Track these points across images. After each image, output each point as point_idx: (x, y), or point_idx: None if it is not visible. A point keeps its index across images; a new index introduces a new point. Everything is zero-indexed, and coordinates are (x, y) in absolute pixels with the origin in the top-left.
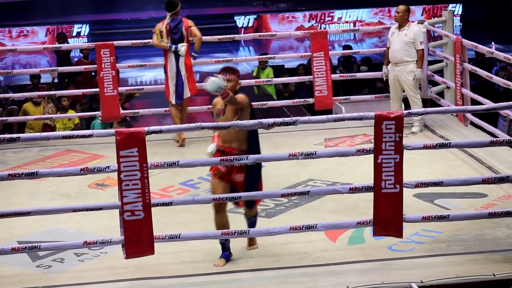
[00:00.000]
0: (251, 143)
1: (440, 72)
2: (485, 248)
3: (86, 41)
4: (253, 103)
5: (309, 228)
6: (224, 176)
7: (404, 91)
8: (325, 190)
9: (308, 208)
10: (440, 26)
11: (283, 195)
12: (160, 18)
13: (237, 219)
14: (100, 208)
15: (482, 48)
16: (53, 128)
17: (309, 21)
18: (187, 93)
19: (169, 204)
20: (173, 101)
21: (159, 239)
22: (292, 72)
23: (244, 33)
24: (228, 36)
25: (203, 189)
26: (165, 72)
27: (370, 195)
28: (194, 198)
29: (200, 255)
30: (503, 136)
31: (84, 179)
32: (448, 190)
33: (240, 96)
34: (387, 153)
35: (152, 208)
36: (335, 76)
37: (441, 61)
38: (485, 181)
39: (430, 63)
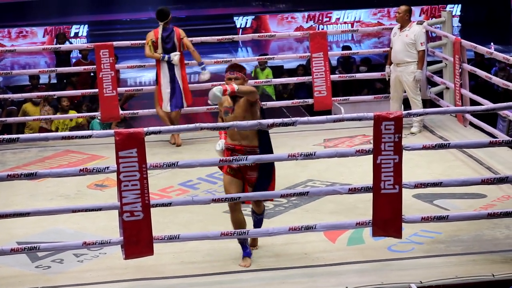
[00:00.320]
0: (263, 140)
1: (439, 73)
2: (484, 249)
3: (85, 41)
4: None
5: (308, 228)
6: (238, 173)
7: (405, 92)
8: (324, 191)
9: (308, 208)
10: (439, 27)
11: (282, 196)
12: None
13: None
14: (99, 209)
15: (481, 49)
16: (49, 131)
17: (307, 22)
18: (183, 103)
19: (169, 204)
20: (169, 109)
21: (158, 240)
22: (291, 72)
23: (242, 34)
24: (227, 36)
25: (203, 189)
26: (157, 81)
27: (369, 195)
28: (194, 198)
29: (199, 255)
30: (502, 136)
31: (83, 179)
32: (447, 190)
33: (242, 86)
34: (386, 154)
35: (152, 209)
36: (334, 77)
37: (440, 61)
38: (484, 182)
39: (429, 63)
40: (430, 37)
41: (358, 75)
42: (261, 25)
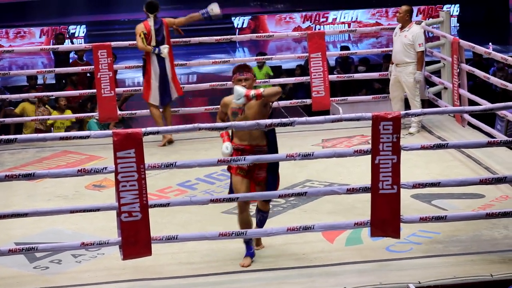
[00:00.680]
0: (270, 139)
1: (437, 73)
2: (483, 249)
3: (83, 42)
4: None
5: (306, 229)
6: (248, 173)
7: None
8: (323, 191)
9: (306, 209)
10: (437, 27)
11: (280, 196)
12: None
13: (234, 220)
14: (98, 209)
15: (480, 49)
16: (44, 133)
17: (303, 22)
18: (174, 94)
19: (167, 205)
20: (157, 103)
21: (156, 240)
22: (289, 72)
23: (239, 34)
24: (225, 37)
25: (201, 190)
26: (145, 74)
27: (368, 196)
28: (192, 199)
29: (197, 256)
30: (500, 136)
31: (82, 180)
32: (446, 190)
33: (267, 88)
34: (384, 154)
35: (150, 209)
36: (333, 77)
37: (439, 61)
38: (483, 182)
39: (428, 63)
40: (428, 37)
41: (357, 75)
42: (259, 25)
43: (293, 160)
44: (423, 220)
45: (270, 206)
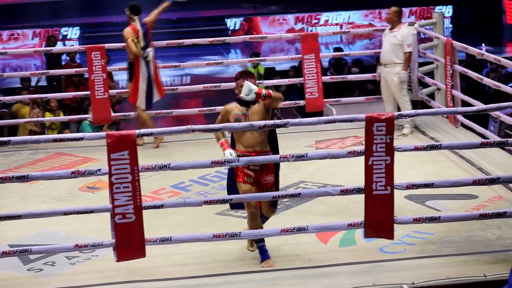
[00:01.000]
0: (273, 143)
1: (430, 74)
2: (476, 250)
3: (75, 44)
4: None
5: (300, 230)
6: (255, 180)
7: None
8: (316, 192)
9: (299, 210)
10: (430, 28)
11: (274, 197)
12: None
13: (228, 221)
14: (91, 211)
15: (473, 50)
16: (39, 134)
17: (295, 24)
18: (157, 97)
19: (160, 206)
20: (143, 107)
21: (150, 242)
22: (283, 74)
23: (232, 36)
24: (218, 38)
25: (194, 191)
26: (133, 78)
27: (361, 197)
28: (185, 200)
29: (191, 257)
30: (493, 137)
31: (75, 182)
32: (439, 191)
33: (274, 92)
34: (378, 155)
35: (143, 211)
36: (326, 78)
37: (432, 62)
38: (476, 183)
39: (421, 64)
40: (421, 38)
41: (350, 77)
42: (252, 27)
43: (286, 161)
44: (417, 221)
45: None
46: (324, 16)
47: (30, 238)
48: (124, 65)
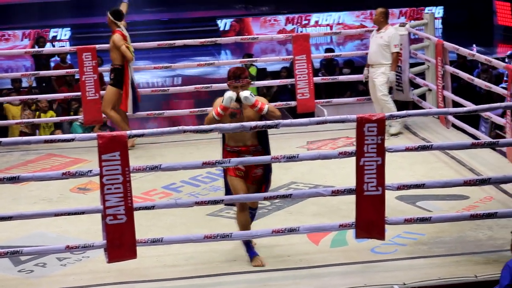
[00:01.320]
0: (263, 139)
1: (421, 75)
2: (467, 250)
3: (66, 45)
4: None
5: (291, 231)
6: (245, 174)
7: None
8: (308, 193)
9: (291, 211)
10: (421, 29)
11: (265, 198)
12: (143, 22)
13: (219, 222)
14: (82, 212)
15: (464, 51)
16: (30, 136)
17: (285, 25)
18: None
19: (152, 207)
20: (131, 112)
21: (142, 243)
22: (274, 75)
23: (223, 37)
24: (210, 39)
25: (186, 192)
26: (123, 84)
27: (353, 197)
28: (177, 201)
29: (182, 258)
30: (484, 138)
31: (66, 183)
32: (430, 192)
33: (272, 106)
34: (369, 156)
35: (135, 212)
36: (317, 79)
37: (423, 63)
38: (467, 183)
39: (412, 65)
40: (413, 39)
41: (341, 77)
42: (243, 27)
43: (278, 162)
44: (408, 221)
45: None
46: (314, 17)
47: (21, 239)
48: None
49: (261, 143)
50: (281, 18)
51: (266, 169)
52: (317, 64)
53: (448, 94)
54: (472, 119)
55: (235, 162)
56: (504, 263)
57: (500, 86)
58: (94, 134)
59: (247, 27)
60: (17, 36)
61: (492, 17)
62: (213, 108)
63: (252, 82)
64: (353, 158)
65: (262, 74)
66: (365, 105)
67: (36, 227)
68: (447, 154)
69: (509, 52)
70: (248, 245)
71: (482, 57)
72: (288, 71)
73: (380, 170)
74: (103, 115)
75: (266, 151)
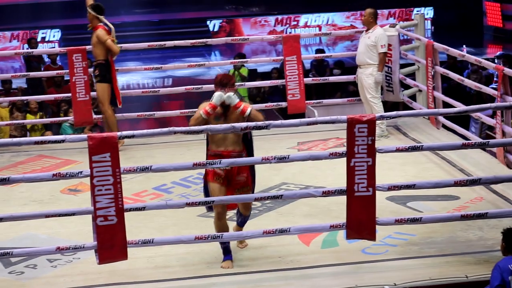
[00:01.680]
0: (248, 146)
1: (412, 75)
2: (458, 250)
3: (56, 46)
4: None
5: (282, 232)
6: (224, 180)
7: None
8: (299, 194)
9: (282, 211)
10: (412, 30)
11: (256, 199)
12: (133, 23)
13: (210, 223)
14: (73, 214)
15: (454, 51)
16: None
17: (275, 26)
18: None
19: (142, 209)
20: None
21: (132, 244)
22: (265, 76)
23: (214, 37)
24: (200, 40)
25: (176, 193)
26: (111, 80)
27: (343, 198)
28: (167, 202)
29: (173, 259)
30: (475, 138)
31: (57, 184)
32: (421, 192)
33: (255, 110)
34: (359, 156)
35: (125, 213)
36: (308, 80)
37: (413, 64)
38: (457, 184)
39: (402, 66)
40: (403, 40)
41: (332, 78)
42: (234, 28)
43: (268, 163)
44: (399, 222)
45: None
46: (303, 18)
47: (11, 241)
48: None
49: (245, 149)
50: (272, 19)
51: (252, 175)
52: (307, 65)
53: (438, 94)
54: (463, 119)
55: (226, 163)
56: (494, 264)
57: (490, 86)
58: (84, 136)
59: (238, 28)
60: (6, 37)
61: (482, 18)
62: (200, 109)
63: (243, 83)
64: (344, 159)
65: (253, 75)
66: (355, 106)
67: (27, 228)
68: (438, 154)
69: (498, 53)
70: (226, 248)
71: (472, 58)
72: (279, 72)
73: (371, 171)
74: (93, 116)
75: (249, 155)
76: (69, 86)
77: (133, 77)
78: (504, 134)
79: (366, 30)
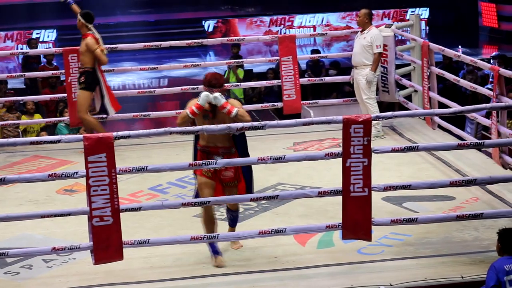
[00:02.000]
0: (238, 141)
1: (407, 76)
2: (454, 251)
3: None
4: None
5: (278, 232)
6: (212, 174)
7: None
8: (294, 194)
9: (277, 212)
10: (407, 30)
11: (252, 199)
12: (129, 23)
13: None
14: (69, 214)
15: (449, 52)
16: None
17: (269, 26)
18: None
19: (138, 209)
20: (98, 110)
21: (128, 245)
22: (261, 76)
23: (209, 38)
24: (196, 40)
25: (172, 194)
26: (101, 87)
27: (339, 198)
28: (163, 203)
29: (169, 260)
30: (470, 139)
31: (53, 185)
32: (417, 193)
33: (242, 111)
34: (355, 157)
35: (121, 214)
36: (304, 80)
37: (409, 64)
38: (453, 184)
39: (398, 66)
40: (398, 40)
41: (327, 79)
42: (230, 29)
43: (264, 164)
44: (394, 222)
45: (240, 207)
46: (297, 19)
47: (7, 241)
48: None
49: (236, 146)
50: (267, 19)
51: (244, 171)
52: (303, 65)
53: (434, 95)
54: (458, 120)
55: (221, 164)
56: (490, 264)
57: (485, 87)
58: (80, 136)
59: (233, 28)
60: (1, 37)
61: (478, 18)
62: (187, 107)
63: (238, 84)
64: (340, 159)
65: (249, 75)
66: (351, 106)
67: (22, 229)
68: (433, 155)
69: (494, 53)
70: (212, 244)
71: (468, 58)
72: (275, 72)
73: (367, 171)
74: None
75: (243, 154)
76: (65, 87)
77: (129, 78)
78: (499, 134)
79: (361, 31)
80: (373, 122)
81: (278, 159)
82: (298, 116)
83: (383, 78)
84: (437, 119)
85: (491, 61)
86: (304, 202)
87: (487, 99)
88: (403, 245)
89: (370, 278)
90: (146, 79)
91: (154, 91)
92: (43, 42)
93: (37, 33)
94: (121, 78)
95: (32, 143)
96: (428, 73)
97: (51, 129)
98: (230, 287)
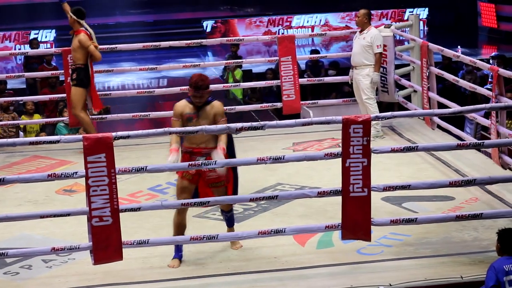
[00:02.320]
0: (227, 144)
1: (407, 76)
2: (453, 251)
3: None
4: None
5: (277, 232)
6: (193, 177)
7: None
8: (294, 194)
9: (277, 212)
10: (406, 30)
11: (251, 200)
12: (128, 23)
13: (206, 224)
14: (68, 214)
15: (449, 52)
16: None
17: (267, 27)
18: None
19: (137, 209)
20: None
21: (128, 245)
22: (260, 77)
23: (209, 38)
24: (195, 41)
25: (171, 194)
26: (90, 84)
27: (339, 198)
28: (162, 203)
29: (168, 260)
30: (469, 139)
31: (52, 185)
32: (416, 193)
33: (223, 118)
34: (355, 157)
35: (120, 214)
36: (303, 80)
37: (408, 65)
38: (452, 184)
39: (397, 67)
40: (398, 40)
41: (327, 79)
42: (229, 29)
43: (264, 164)
44: (394, 222)
45: (240, 207)
46: (295, 19)
47: (6, 242)
48: (101, 67)
49: (228, 152)
50: (266, 19)
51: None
52: (302, 66)
53: (433, 95)
54: (457, 120)
55: (220, 164)
56: (489, 264)
57: (484, 87)
58: (79, 136)
59: (232, 28)
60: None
61: (477, 18)
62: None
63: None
64: (339, 160)
65: (248, 75)
66: (350, 106)
67: (22, 229)
68: (433, 155)
69: (493, 54)
70: (178, 247)
71: (467, 59)
72: (274, 73)
73: (366, 171)
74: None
75: (230, 156)
76: (64, 88)
77: (128, 78)
78: (498, 134)
79: (360, 31)
80: (373, 122)
81: (277, 159)
82: (297, 116)
83: (383, 78)
84: (436, 119)
85: (490, 61)
86: (304, 202)
87: (486, 99)
88: (402, 245)
89: (369, 278)
90: (145, 79)
91: (154, 91)
92: (41, 42)
93: (35, 33)
94: (120, 79)
95: (31, 143)
96: (427, 73)
97: (50, 129)
98: (230, 287)
